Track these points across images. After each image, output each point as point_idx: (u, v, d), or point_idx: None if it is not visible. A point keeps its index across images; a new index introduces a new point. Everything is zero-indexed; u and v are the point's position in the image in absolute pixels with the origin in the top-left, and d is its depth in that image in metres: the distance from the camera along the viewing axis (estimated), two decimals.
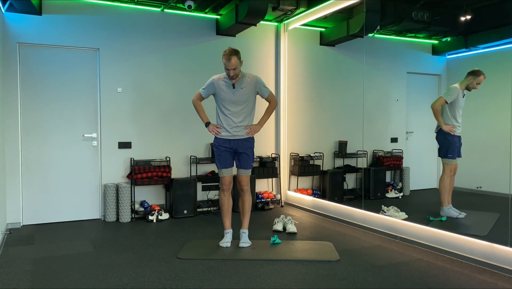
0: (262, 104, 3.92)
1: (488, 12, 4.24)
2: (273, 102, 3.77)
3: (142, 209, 4.90)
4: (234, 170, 3.78)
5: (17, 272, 3.09)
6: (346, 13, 5.13)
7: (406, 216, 4.13)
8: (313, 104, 5.85)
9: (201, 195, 5.30)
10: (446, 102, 4.04)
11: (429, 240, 3.63)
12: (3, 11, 4.35)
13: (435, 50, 4.95)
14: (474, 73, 3.98)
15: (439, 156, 4.16)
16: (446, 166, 4.10)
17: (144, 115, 5.06)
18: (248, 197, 3.80)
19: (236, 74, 3.54)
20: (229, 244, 3.71)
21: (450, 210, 4.07)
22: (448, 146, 4.08)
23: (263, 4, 4.61)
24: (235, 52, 3.47)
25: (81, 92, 4.78)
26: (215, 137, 3.71)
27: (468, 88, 4.02)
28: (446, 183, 4.08)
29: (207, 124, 3.71)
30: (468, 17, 4.37)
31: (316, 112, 5.85)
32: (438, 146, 4.17)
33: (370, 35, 5.06)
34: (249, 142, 3.70)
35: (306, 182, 5.79)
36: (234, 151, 3.68)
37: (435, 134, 4.19)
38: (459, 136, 4.07)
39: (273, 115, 5.81)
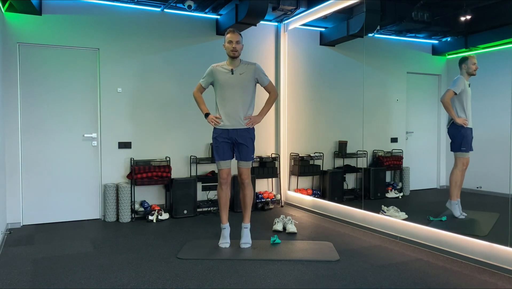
0: (262, 98, 3.89)
1: (488, 12, 4.24)
2: (273, 93, 3.73)
3: (142, 209, 4.90)
4: (233, 164, 3.74)
5: (17, 272, 3.09)
6: (346, 13, 5.13)
7: (406, 216, 4.13)
8: (313, 104, 5.85)
9: (201, 195, 5.30)
10: (455, 94, 4.00)
11: (429, 240, 3.63)
12: (3, 11, 4.35)
13: (435, 50, 4.95)
14: (464, 60, 4.01)
15: (451, 150, 4.11)
16: (459, 159, 4.06)
17: (144, 115, 5.06)
18: (249, 190, 3.73)
19: (238, 50, 3.55)
20: (228, 244, 3.70)
21: (456, 205, 4.05)
22: (461, 139, 4.03)
23: (263, 4, 4.61)
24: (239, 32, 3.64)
25: (81, 92, 4.78)
26: (214, 128, 3.67)
27: (470, 74, 4.00)
28: (458, 177, 4.05)
29: (207, 115, 3.67)
30: (468, 17, 4.37)
31: (316, 112, 5.85)
32: (451, 140, 4.12)
33: (370, 35, 5.06)
34: (249, 133, 3.63)
35: (306, 182, 5.79)
36: (233, 142, 3.62)
37: (447, 128, 4.15)
38: (471, 129, 4.04)
39: (273, 115, 5.81)
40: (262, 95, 3.90)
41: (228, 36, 3.58)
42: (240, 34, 3.61)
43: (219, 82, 3.61)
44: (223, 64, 3.65)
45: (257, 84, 3.72)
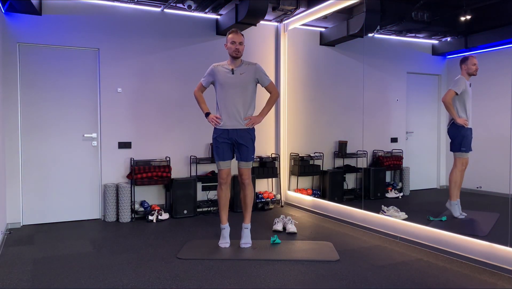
0: (263, 98, 3.88)
1: (488, 12, 4.24)
2: (274, 93, 3.72)
3: (142, 209, 4.91)
4: (233, 164, 3.73)
5: (17, 272, 3.09)
6: (346, 13, 5.13)
7: (406, 216, 4.13)
8: (313, 104, 5.85)
9: (201, 195, 5.30)
10: (456, 94, 4.00)
11: (429, 240, 3.63)
12: (3, 11, 4.35)
13: (435, 50, 4.95)
14: (464, 60, 4.02)
15: (451, 150, 4.12)
16: (458, 159, 4.07)
17: (144, 115, 5.06)
18: (249, 190, 3.73)
19: (240, 51, 3.54)
20: (228, 244, 3.70)
21: (456, 206, 4.05)
22: (461, 139, 4.04)
23: (263, 4, 4.61)
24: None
25: (81, 92, 4.78)
26: (214, 129, 3.67)
27: (471, 74, 4.01)
28: (457, 177, 4.06)
29: (207, 114, 3.67)
30: (468, 17, 4.37)
31: (316, 112, 5.85)
32: (450, 140, 4.13)
33: (370, 35, 5.06)
34: (249, 133, 3.63)
35: (306, 182, 5.79)
36: (233, 143, 3.62)
37: (447, 128, 4.16)
38: (471, 129, 4.05)
39: (273, 115, 5.81)
40: (263, 96, 3.89)
41: (230, 36, 3.56)
42: (243, 35, 3.59)
43: (219, 82, 3.61)
44: (224, 64, 3.65)
45: (258, 85, 3.71)
